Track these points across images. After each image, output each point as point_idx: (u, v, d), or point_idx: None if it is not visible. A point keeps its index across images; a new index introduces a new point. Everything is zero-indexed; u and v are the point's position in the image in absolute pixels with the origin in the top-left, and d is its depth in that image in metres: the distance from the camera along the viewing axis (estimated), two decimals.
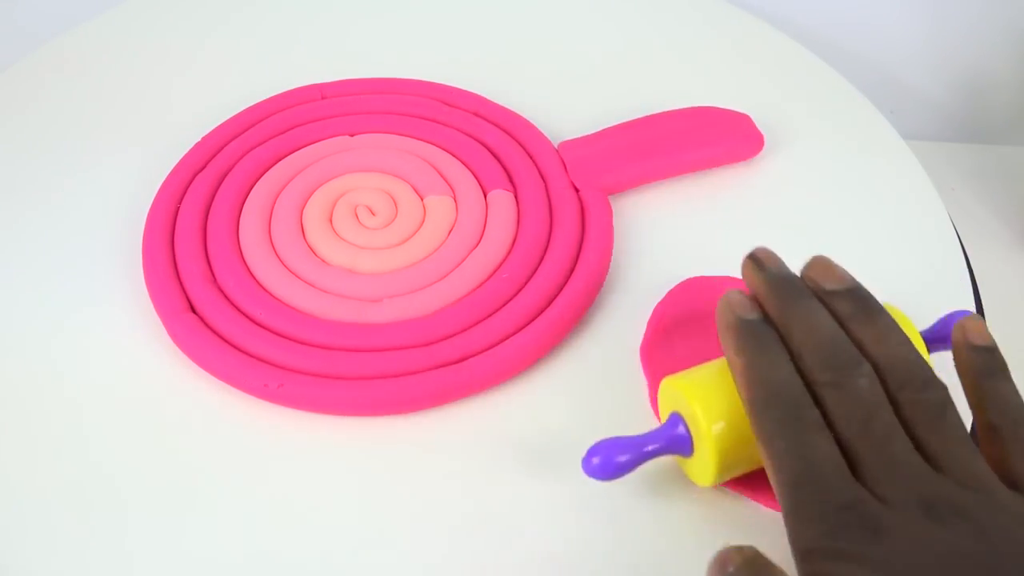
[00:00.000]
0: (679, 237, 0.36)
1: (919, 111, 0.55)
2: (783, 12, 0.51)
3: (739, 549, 0.23)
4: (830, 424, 0.25)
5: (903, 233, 0.36)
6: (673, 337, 0.32)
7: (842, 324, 0.27)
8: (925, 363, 0.26)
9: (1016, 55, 0.53)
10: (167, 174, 0.37)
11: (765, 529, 0.28)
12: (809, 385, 0.26)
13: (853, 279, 0.28)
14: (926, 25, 0.52)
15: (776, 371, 0.26)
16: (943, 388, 0.26)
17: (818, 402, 0.25)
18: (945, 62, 0.53)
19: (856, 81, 0.43)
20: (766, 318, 0.27)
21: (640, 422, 0.31)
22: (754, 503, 0.29)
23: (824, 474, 0.24)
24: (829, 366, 0.26)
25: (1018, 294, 0.47)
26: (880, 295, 0.34)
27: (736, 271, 0.35)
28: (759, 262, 0.28)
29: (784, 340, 0.27)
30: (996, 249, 0.49)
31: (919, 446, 0.25)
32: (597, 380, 0.32)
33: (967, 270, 0.35)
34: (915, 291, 0.33)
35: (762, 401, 0.25)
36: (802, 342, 0.26)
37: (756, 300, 0.28)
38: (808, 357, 0.26)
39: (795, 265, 0.35)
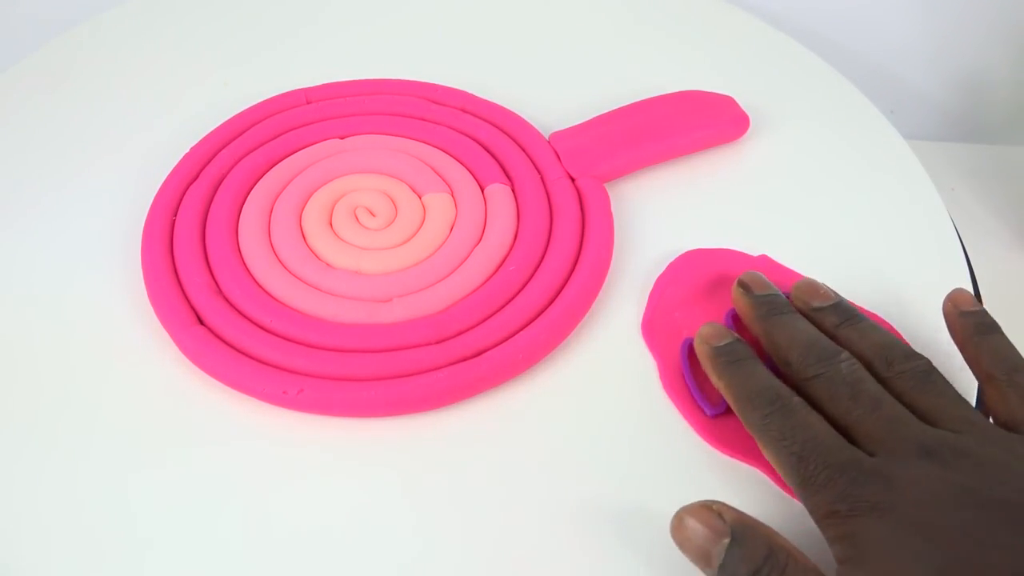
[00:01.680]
0: (675, 218, 0.37)
1: (919, 110, 0.56)
2: (782, 11, 0.51)
3: (723, 505, 0.25)
4: (821, 409, 0.27)
5: (903, 233, 0.37)
6: (674, 311, 0.33)
7: (831, 336, 0.30)
8: (905, 344, 0.29)
9: (1016, 54, 0.53)
10: (158, 186, 0.36)
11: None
12: (797, 385, 0.28)
13: (836, 295, 0.31)
14: (926, 24, 0.52)
15: (754, 377, 0.28)
16: (925, 358, 0.28)
17: (807, 397, 0.28)
18: (945, 61, 0.54)
19: (856, 80, 0.43)
20: (743, 340, 0.30)
21: (658, 402, 0.31)
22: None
23: (822, 442, 0.26)
24: (811, 362, 0.28)
25: (1018, 294, 0.47)
26: (880, 294, 0.34)
27: (731, 248, 0.35)
28: (745, 286, 0.31)
29: (771, 352, 0.30)
30: (996, 249, 0.49)
31: (910, 409, 0.27)
32: (612, 362, 0.32)
33: (967, 270, 0.35)
34: (915, 290, 0.34)
35: (747, 403, 0.28)
36: (786, 348, 0.29)
37: (734, 325, 0.31)
38: (793, 360, 0.29)
39: (794, 263, 0.35)
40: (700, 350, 0.30)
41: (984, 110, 0.29)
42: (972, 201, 0.52)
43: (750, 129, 0.39)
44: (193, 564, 0.27)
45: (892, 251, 0.36)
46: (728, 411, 0.30)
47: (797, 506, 0.28)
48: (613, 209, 0.36)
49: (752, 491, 0.29)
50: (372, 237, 0.35)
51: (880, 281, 0.35)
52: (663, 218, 0.37)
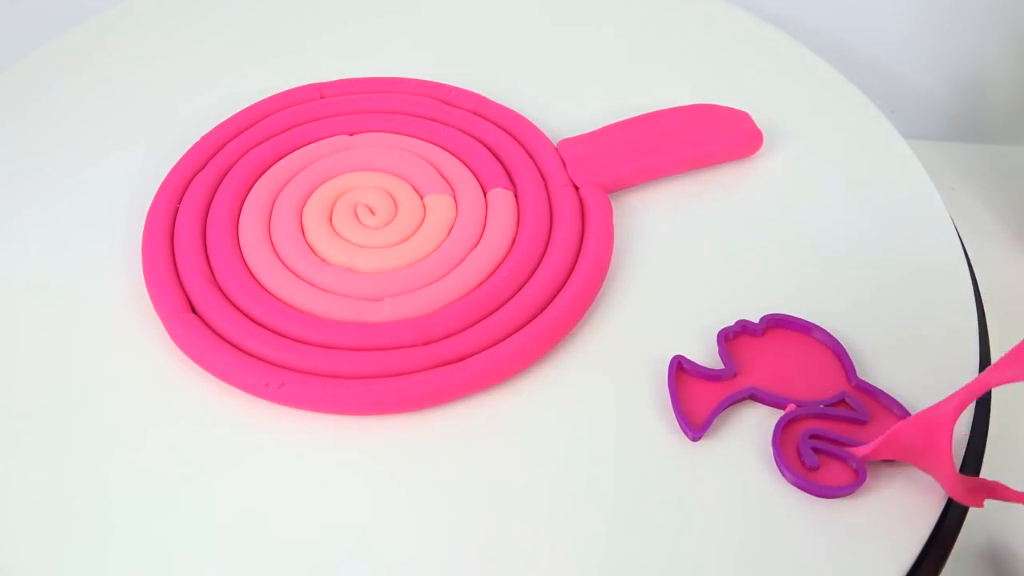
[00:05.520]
0: (679, 234, 0.36)
1: (919, 110, 0.56)
2: (783, 11, 0.51)
3: None
4: None
5: (903, 233, 0.36)
6: None
7: None
8: None
9: (1016, 54, 0.53)
10: (166, 174, 0.37)
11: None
12: None
13: None
14: (926, 24, 0.52)
15: None
16: None
17: None
18: (945, 61, 0.54)
19: (856, 80, 0.43)
20: None
21: (641, 420, 0.31)
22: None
23: None
24: None
25: (1019, 294, 0.47)
26: (880, 295, 0.34)
27: (736, 267, 0.35)
28: None
29: None
30: (996, 249, 0.49)
31: None
32: (598, 378, 0.32)
33: (967, 270, 0.35)
34: (915, 291, 0.34)
35: None
36: None
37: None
38: None
39: (792, 263, 0.35)
40: None
41: (984, 110, 0.29)
42: (972, 201, 0.52)
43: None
44: (176, 553, 0.28)
45: (892, 250, 0.36)
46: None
47: (785, 535, 0.28)
48: (617, 220, 0.36)
49: (740, 515, 0.29)
50: (369, 235, 0.35)
51: (880, 280, 0.34)
52: (668, 231, 0.36)
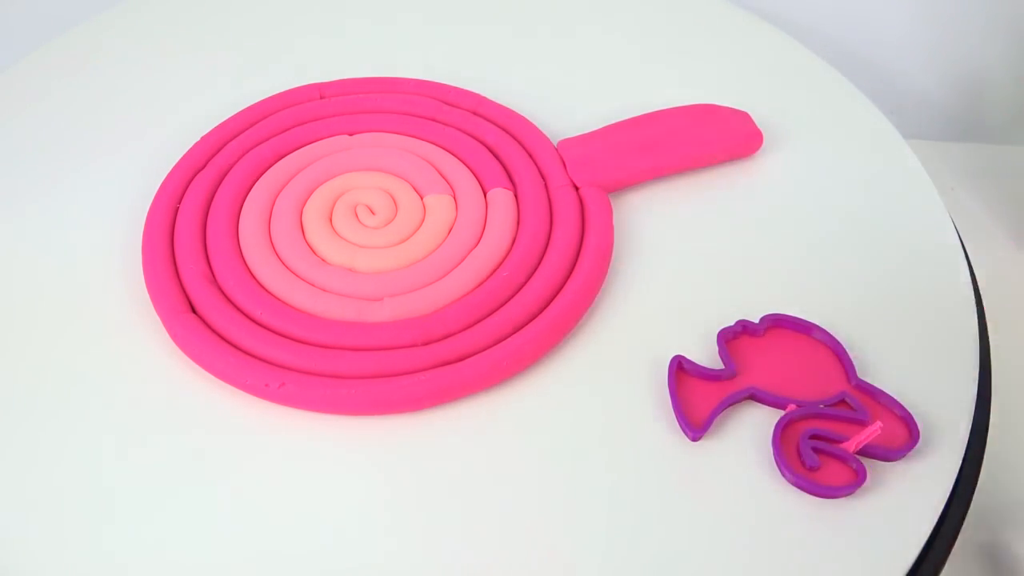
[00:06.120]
0: (679, 234, 0.36)
1: (919, 110, 0.56)
2: (782, 11, 0.51)
3: None
4: None
5: (903, 233, 0.36)
6: None
7: None
8: None
9: (1016, 54, 0.53)
10: (166, 174, 0.37)
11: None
12: None
13: None
14: (926, 24, 0.52)
15: None
16: None
17: None
18: (945, 61, 0.54)
19: (856, 80, 0.43)
20: None
21: (641, 420, 0.31)
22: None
23: None
24: None
25: (1018, 294, 0.47)
26: (880, 295, 0.34)
27: (736, 268, 0.35)
28: None
29: None
30: (996, 249, 0.49)
31: None
32: (598, 379, 0.32)
33: (967, 270, 0.35)
34: (915, 291, 0.34)
35: None
36: None
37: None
38: None
39: (792, 263, 0.35)
40: None
41: (984, 110, 0.29)
42: (972, 201, 0.52)
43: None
44: (177, 555, 0.28)
45: (892, 251, 0.36)
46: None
47: (785, 535, 0.28)
48: (617, 220, 0.36)
49: (741, 515, 0.29)
50: (369, 235, 0.35)
51: (880, 280, 0.34)
52: (668, 231, 0.36)
